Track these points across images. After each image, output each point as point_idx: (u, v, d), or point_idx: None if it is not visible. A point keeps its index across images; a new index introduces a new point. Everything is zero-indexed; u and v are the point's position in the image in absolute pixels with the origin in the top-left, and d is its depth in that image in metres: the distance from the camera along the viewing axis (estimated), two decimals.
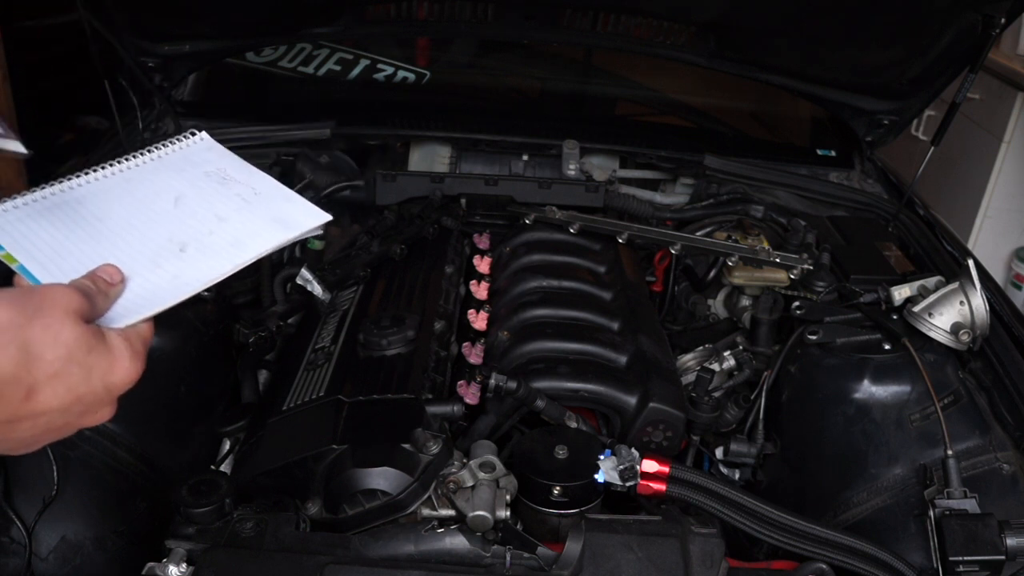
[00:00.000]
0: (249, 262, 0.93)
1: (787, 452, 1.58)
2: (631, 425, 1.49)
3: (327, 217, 1.00)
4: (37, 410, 0.73)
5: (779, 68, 2.19)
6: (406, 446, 1.27)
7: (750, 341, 1.78)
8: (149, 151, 1.04)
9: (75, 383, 0.74)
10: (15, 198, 0.92)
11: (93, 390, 0.76)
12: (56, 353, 0.72)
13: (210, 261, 0.91)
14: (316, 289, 1.75)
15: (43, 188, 0.94)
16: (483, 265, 1.92)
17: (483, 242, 2.02)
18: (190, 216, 0.96)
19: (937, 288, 1.59)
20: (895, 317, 1.59)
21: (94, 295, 0.79)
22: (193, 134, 1.08)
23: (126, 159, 1.02)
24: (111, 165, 1.01)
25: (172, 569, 1.10)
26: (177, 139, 1.07)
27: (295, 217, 0.99)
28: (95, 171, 0.99)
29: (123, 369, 0.78)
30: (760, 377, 1.66)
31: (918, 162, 2.13)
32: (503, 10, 2.15)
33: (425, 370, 1.50)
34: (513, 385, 1.43)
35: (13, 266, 0.86)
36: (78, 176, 0.98)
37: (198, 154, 1.06)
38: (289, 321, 1.78)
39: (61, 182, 0.96)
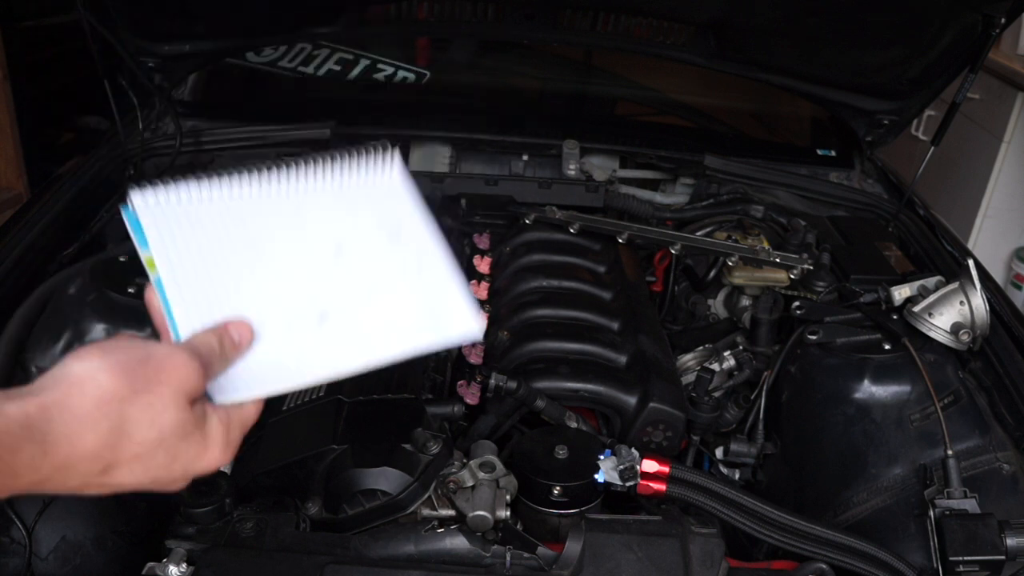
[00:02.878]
0: (382, 365, 0.83)
1: (787, 452, 1.58)
2: (631, 425, 1.49)
3: (479, 331, 0.87)
4: (108, 483, 0.69)
5: (779, 68, 2.18)
6: (406, 446, 1.27)
7: (750, 341, 1.78)
8: (332, 167, 0.90)
9: (155, 467, 0.70)
10: (183, 188, 0.84)
11: (171, 474, 0.72)
12: (148, 436, 0.68)
13: (342, 348, 0.82)
14: None
15: (218, 184, 0.85)
16: (483, 265, 1.92)
17: (483, 242, 2.02)
18: (344, 278, 0.86)
19: (937, 288, 1.59)
20: (895, 317, 1.59)
21: (214, 361, 0.75)
22: (384, 160, 0.93)
23: (306, 175, 0.89)
24: (287, 180, 0.89)
25: (172, 569, 1.10)
26: (365, 164, 0.92)
27: (448, 321, 0.87)
28: (270, 180, 0.88)
29: (211, 460, 0.74)
30: (760, 377, 1.66)
31: (918, 162, 2.13)
32: (503, 10, 2.15)
33: (425, 370, 1.50)
34: (513, 385, 1.43)
35: (151, 273, 0.80)
36: (251, 185, 0.87)
37: (382, 192, 0.92)
38: None
39: (239, 184, 0.87)
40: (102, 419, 0.65)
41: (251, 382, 0.78)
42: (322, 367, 0.81)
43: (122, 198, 2.11)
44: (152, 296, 0.80)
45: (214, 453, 0.74)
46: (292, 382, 0.81)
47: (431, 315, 0.87)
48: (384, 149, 0.93)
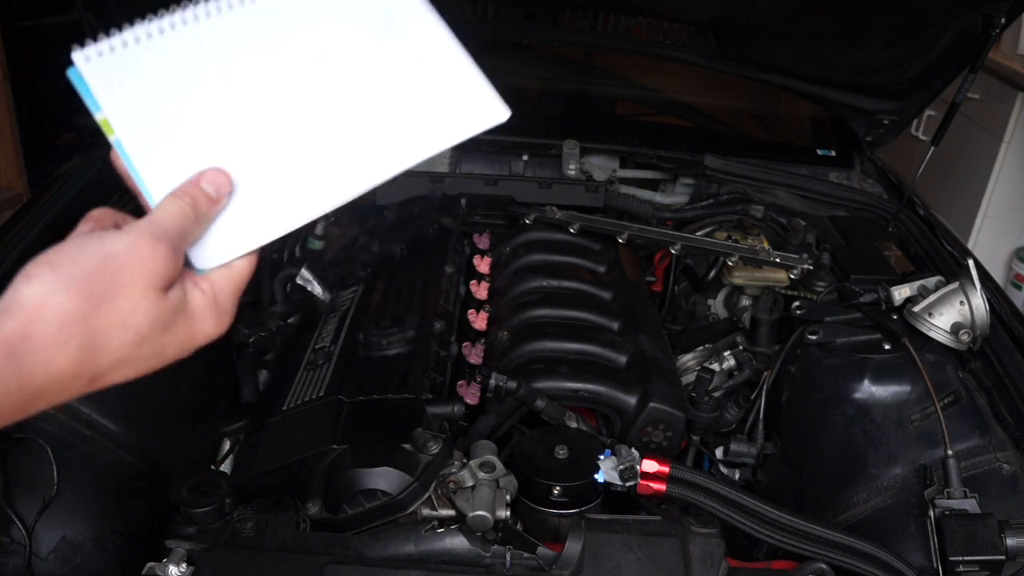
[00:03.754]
0: (391, 176, 0.73)
1: (787, 452, 1.58)
2: (631, 425, 1.50)
3: (505, 114, 0.77)
4: (104, 384, 0.65)
5: (779, 68, 2.18)
6: (406, 446, 1.27)
7: (750, 341, 1.78)
8: None
9: (145, 361, 0.66)
10: (127, 29, 0.74)
11: (164, 360, 0.67)
12: (124, 339, 0.63)
13: (342, 169, 0.71)
14: (316, 289, 1.76)
15: (164, 18, 0.73)
16: (483, 265, 1.92)
17: (483, 242, 2.02)
18: (332, 86, 0.72)
19: (937, 288, 1.59)
20: (895, 317, 1.59)
21: (188, 228, 0.67)
22: None
23: None
24: None
25: (172, 569, 1.10)
26: None
27: (465, 110, 0.74)
28: None
29: (204, 334, 0.68)
30: (760, 377, 1.66)
31: (918, 162, 2.13)
32: (503, 10, 2.15)
33: (425, 370, 1.50)
34: (513, 385, 1.43)
35: (110, 138, 0.71)
36: (199, 3, 0.74)
37: None
38: (289, 321, 1.78)
39: (188, 7, 0.74)
40: (69, 340, 0.61)
41: (237, 238, 0.69)
42: (318, 200, 0.70)
43: (123, 197, 2.11)
44: (117, 159, 0.72)
45: (207, 326, 0.68)
46: (284, 224, 0.70)
47: (445, 108, 0.75)
48: None
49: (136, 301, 0.63)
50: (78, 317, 0.61)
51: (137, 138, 0.70)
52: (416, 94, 0.74)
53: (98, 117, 0.71)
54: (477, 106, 0.75)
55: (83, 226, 0.72)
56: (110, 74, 0.71)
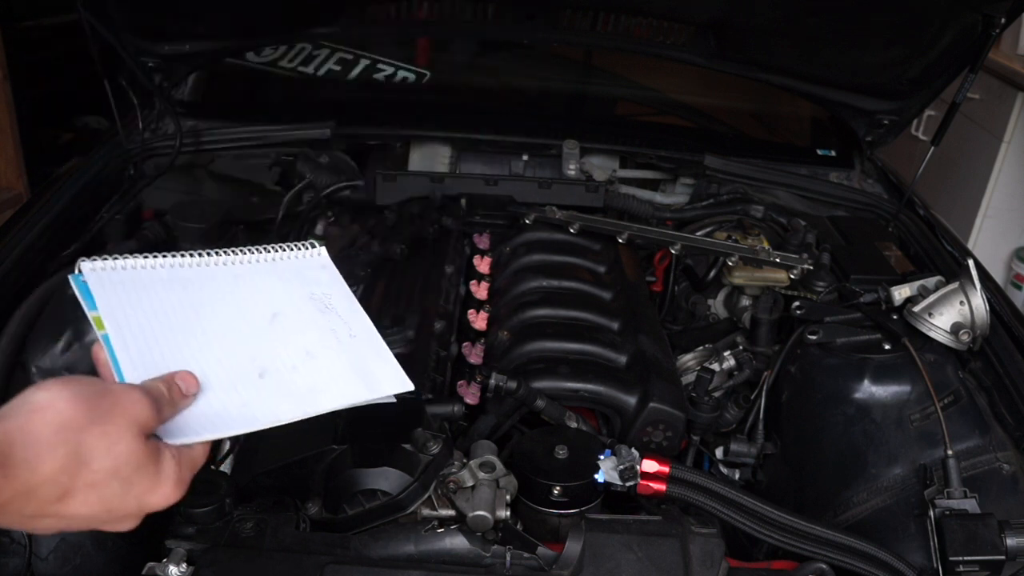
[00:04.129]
0: (316, 415, 0.91)
1: (787, 452, 1.58)
2: (631, 425, 1.49)
3: (409, 386, 0.98)
4: (64, 513, 0.71)
5: (779, 68, 2.18)
6: (406, 446, 1.27)
7: (750, 341, 1.78)
8: (265, 250, 1.03)
9: (110, 496, 0.73)
10: (128, 258, 0.92)
11: (125, 506, 0.75)
12: (103, 464, 0.71)
13: (282, 402, 0.89)
14: None
15: (156, 257, 0.94)
16: (483, 265, 1.92)
17: (483, 242, 2.02)
18: (280, 340, 0.94)
19: (937, 288, 1.59)
20: (895, 317, 1.59)
21: (163, 404, 0.79)
22: (313, 246, 1.07)
23: (242, 251, 1.01)
24: (226, 254, 1.00)
25: (172, 569, 1.10)
26: (295, 246, 1.06)
27: (379, 378, 0.97)
28: (209, 254, 0.99)
29: (163, 494, 0.77)
30: (760, 377, 1.66)
31: (918, 162, 2.13)
32: (503, 10, 2.15)
33: (425, 370, 1.50)
34: (513, 385, 1.43)
35: (99, 332, 0.85)
36: (192, 256, 0.97)
37: (310, 270, 1.04)
38: None
39: (175, 255, 0.96)
40: (60, 445, 0.68)
41: (198, 427, 0.82)
42: (262, 417, 0.87)
43: (123, 197, 2.11)
44: (100, 352, 0.84)
45: (167, 488, 0.77)
46: (235, 429, 0.86)
47: (363, 374, 0.96)
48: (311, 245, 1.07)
49: (123, 432, 0.72)
50: (73, 428, 0.69)
51: (123, 338, 0.85)
52: (341, 358, 0.96)
53: (92, 315, 0.86)
54: (388, 376, 0.98)
55: None
56: (109, 285, 0.89)
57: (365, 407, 1.39)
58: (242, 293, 0.97)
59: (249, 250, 1.02)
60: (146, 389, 0.78)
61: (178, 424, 0.81)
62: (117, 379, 0.83)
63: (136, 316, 0.88)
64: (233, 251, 1.00)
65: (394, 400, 1.00)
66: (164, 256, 0.95)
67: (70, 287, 0.88)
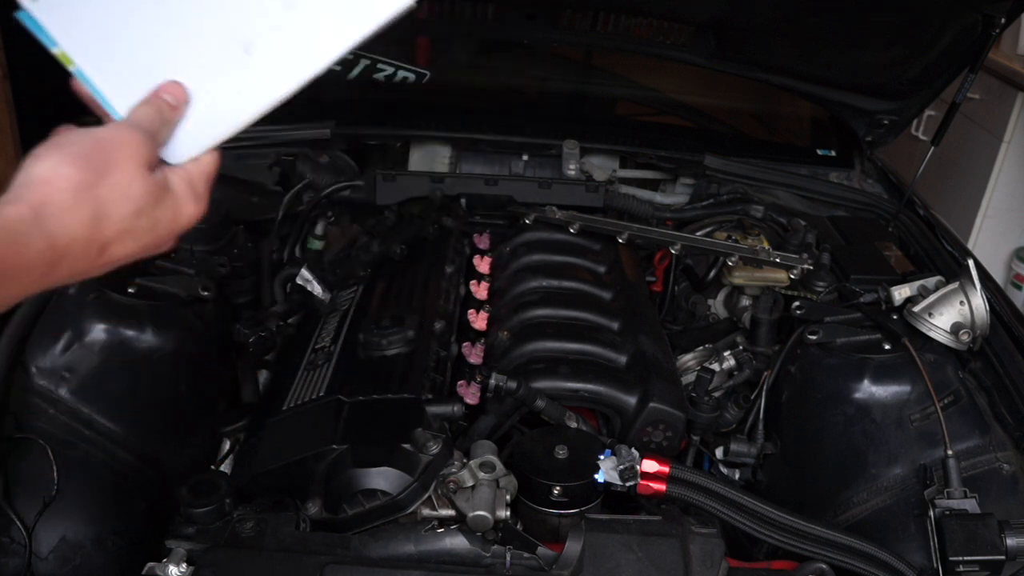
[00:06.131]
0: (324, 69, 0.82)
1: (787, 452, 1.58)
2: (631, 425, 1.49)
3: (412, 2, 0.83)
4: (108, 262, 0.76)
5: (779, 68, 2.18)
6: (406, 446, 1.27)
7: (750, 341, 1.78)
8: None
9: (142, 235, 0.77)
10: None
11: (159, 237, 0.79)
12: (126, 210, 0.74)
13: (279, 68, 0.81)
14: (316, 289, 1.76)
15: None
16: (483, 265, 1.92)
17: (483, 242, 2.02)
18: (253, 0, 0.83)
19: (937, 288, 1.59)
20: (895, 317, 1.59)
21: (157, 128, 0.79)
22: None
23: None
24: None
25: (172, 569, 1.10)
26: None
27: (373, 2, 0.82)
28: None
29: (187, 215, 0.80)
30: (760, 377, 1.66)
31: (918, 162, 2.13)
32: (503, 10, 2.15)
33: (425, 370, 1.50)
34: (513, 385, 1.43)
35: (70, 68, 0.80)
36: None
37: None
38: (289, 321, 1.78)
39: None
40: (83, 206, 0.72)
41: (199, 134, 0.80)
42: (262, 97, 0.82)
43: None
44: (79, 86, 0.82)
45: (189, 208, 0.80)
46: (237, 122, 0.82)
47: (354, 5, 0.83)
48: None
49: (131, 175, 0.75)
50: (85, 186, 0.72)
51: (95, 64, 0.80)
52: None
53: (55, 52, 0.79)
54: None
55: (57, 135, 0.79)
56: (59, 11, 0.80)
57: (365, 405, 1.40)
58: None
59: None
60: (136, 122, 0.78)
61: (180, 139, 0.80)
62: (106, 110, 0.82)
63: (99, 34, 0.81)
64: None
65: (407, 7, 0.82)
66: None
67: None
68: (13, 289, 0.69)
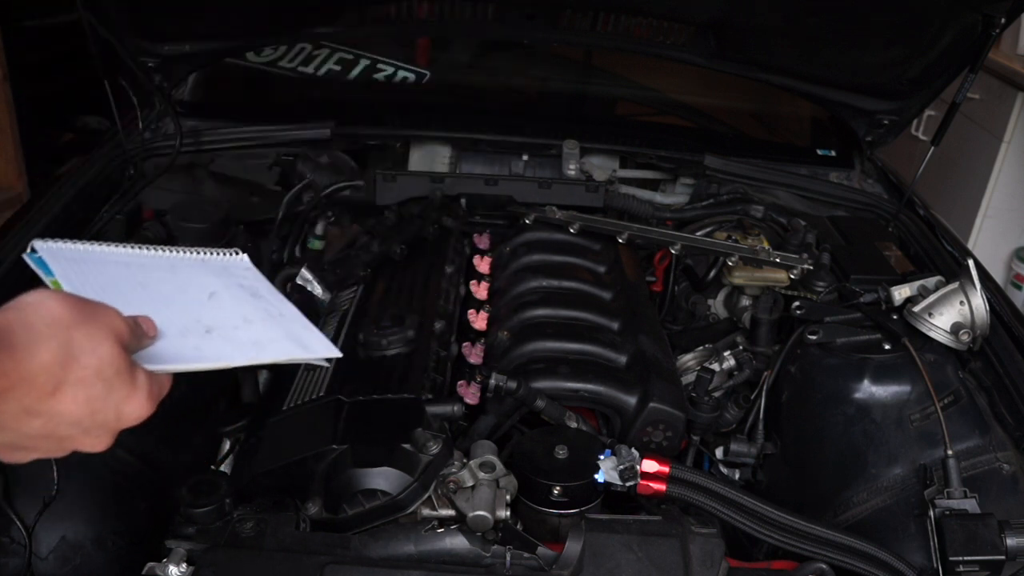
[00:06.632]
0: (264, 362, 1.03)
1: (787, 452, 1.58)
2: (631, 425, 1.49)
3: (337, 353, 1.07)
4: (55, 410, 0.76)
5: (779, 68, 2.18)
6: (406, 446, 1.27)
7: (750, 341, 1.78)
8: (194, 251, 1.11)
9: (95, 397, 0.77)
10: (68, 242, 1.00)
11: (105, 410, 0.79)
12: (90, 361, 0.76)
13: (231, 348, 0.97)
14: (316, 289, 1.75)
15: (93, 244, 1.02)
16: (483, 265, 1.92)
17: (483, 242, 2.02)
18: (220, 310, 1.02)
19: (937, 288, 1.59)
20: (895, 317, 1.59)
21: (134, 334, 0.83)
22: (236, 253, 1.15)
23: (172, 249, 1.09)
24: (157, 249, 1.08)
25: (172, 569, 1.10)
26: (219, 252, 1.14)
27: (310, 344, 1.05)
28: (142, 248, 1.07)
29: (138, 403, 0.81)
30: (760, 377, 1.66)
31: (918, 162, 2.13)
32: (503, 10, 2.15)
33: (425, 370, 1.50)
34: (513, 385, 1.43)
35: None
36: (125, 246, 1.05)
37: (236, 269, 1.13)
38: None
39: (110, 245, 1.04)
40: (53, 338, 0.74)
41: (162, 359, 0.89)
42: (215, 357, 0.95)
43: (123, 197, 2.10)
44: None
45: (140, 398, 0.81)
46: (196, 362, 0.92)
47: (296, 339, 1.04)
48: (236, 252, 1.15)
49: (106, 335, 0.78)
50: (63, 324, 0.75)
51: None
52: (276, 327, 1.04)
53: (49, 280, 0.93)
54: (320, 343, 1.07)
55: None
56: (62, 259, 0.97)
57: (365, 405, 1.40)
58: (180, 276, 1.06)
59: (178, 249, 1.11)
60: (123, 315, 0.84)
61: (144, 356, 0.87)
62: None
63: (90, 283, 0.94)
64: (163, 248, 1.09)
65: (327, 364, 1.14)
66: (104, 244, 1.04)
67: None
68: None
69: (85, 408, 0.77)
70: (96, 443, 0.82)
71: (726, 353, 1.77)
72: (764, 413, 1.60)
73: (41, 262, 0.95)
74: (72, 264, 0.96)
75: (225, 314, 1.02)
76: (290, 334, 1.05)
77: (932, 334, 1.52)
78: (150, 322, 0.88)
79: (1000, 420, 1.47)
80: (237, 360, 0.96)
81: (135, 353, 0.84)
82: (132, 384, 0.80)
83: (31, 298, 0.76)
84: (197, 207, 1.87)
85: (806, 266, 1.80)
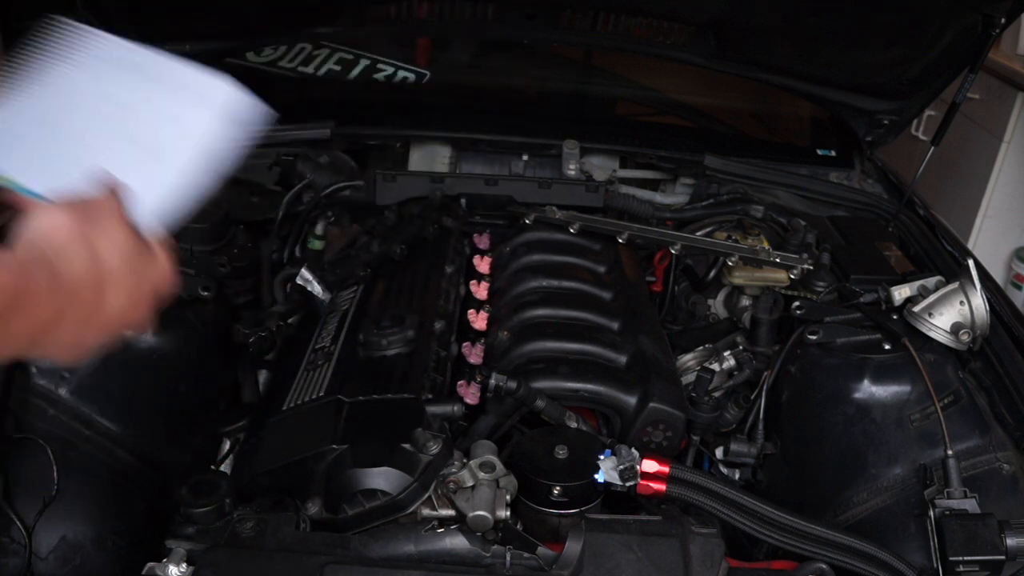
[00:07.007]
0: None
1: (787, 452, 1.58)
2: (631, 425, 1.49)
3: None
4: (103, 310, 0.79)
5: (779, 68, 2.19)
6: (406, 446, 1.27)
7: (750, 341, 1.78)
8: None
9: (130, 284, 0.81)
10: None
11: (142, 291, 0.83)
12: (115, 256, 0.79)
13: (177, 156, 0.91)
14: (316, 289, 1.76)
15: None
16: (483, 265, 1.92)
17: (483, 242, 2.02)
18: (138, 119, 0.93)
19: (937, 288, 1.59)
20: (895, 317, 1.59)
21: (127, 204, 0.84)
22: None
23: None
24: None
25: (172, 569, 1.10)
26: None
27: (212, 98, 0.99)
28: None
29: (163, 270, 0.85)
30: (760, 377, 1.66)
31: (918, 162, 2.13)
32: (503, 10, 2.15)
33: (425, 370, 1.50)
34: (513, 385, 1.43)
35: (6, 183, 0.85)
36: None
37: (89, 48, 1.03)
38: (289, 321, 1.78)
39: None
40: (80, 250, 0.77)
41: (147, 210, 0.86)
42: (176, 180, 0.89)
43: None
44: (15, 197, 0.85)
45: (165, 267, 0.85)
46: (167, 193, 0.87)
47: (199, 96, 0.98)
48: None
49: (118, 227, 0.80)
50: (81, 235, 0.77)
51: (26, 172, 0.85)
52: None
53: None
54: (215, 90, 1.00)
55: None
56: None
57: (366, 405, 1.40)
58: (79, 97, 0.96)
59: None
60: (112, 190, 0.84)
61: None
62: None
63: (32, 154, 0.89)
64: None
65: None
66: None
67: None
68: (22, 325, 0.72)
69: (126, 298, 0.80)
70: (143, 321, 0.85)
71: (726, 353, 1.77)
72: (764, 413, 1.60)
73: None
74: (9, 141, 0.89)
75: (146, 122, 0.92)
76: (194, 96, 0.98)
77: (932, 334, 1.52)
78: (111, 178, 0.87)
79: (1000, 420, 1.47)
80: (190, 159, 0.90)
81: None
82: (155, 258, 0.84)
83: (42, 225, 0.77)
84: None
85: (806, 266, 1.80)
